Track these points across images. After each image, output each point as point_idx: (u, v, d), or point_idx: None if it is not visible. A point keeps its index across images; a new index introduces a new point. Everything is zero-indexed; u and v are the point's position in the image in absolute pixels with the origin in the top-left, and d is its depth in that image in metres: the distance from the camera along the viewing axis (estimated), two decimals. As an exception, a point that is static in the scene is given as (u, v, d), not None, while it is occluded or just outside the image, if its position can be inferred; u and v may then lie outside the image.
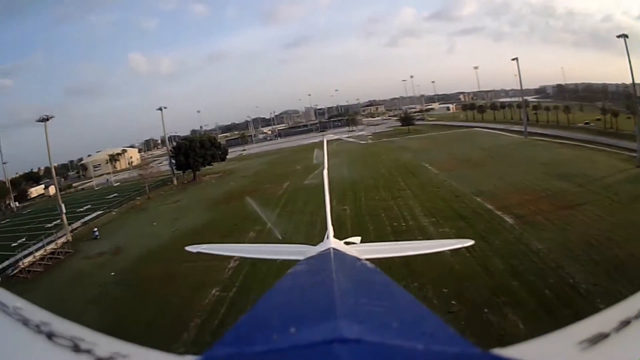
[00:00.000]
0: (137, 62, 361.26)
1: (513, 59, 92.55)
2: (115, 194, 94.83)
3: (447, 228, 35.71)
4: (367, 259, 4.72)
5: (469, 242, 11.20)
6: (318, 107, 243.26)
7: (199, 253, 11.05)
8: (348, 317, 2.12)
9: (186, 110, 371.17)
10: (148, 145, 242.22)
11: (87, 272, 44.17)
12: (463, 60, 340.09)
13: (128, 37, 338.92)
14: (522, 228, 33.07)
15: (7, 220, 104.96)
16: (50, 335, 1.83)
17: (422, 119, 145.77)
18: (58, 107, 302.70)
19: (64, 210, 63.58)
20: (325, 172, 12.50)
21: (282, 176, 76.70)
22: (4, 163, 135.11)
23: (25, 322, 1.96)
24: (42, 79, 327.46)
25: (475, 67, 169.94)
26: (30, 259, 52.06)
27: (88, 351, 1.72)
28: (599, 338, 1.72)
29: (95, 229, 60.99)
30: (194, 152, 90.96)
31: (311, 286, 3.62)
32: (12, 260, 54.57)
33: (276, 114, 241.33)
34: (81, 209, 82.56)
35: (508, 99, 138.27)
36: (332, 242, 6.74)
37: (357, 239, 9.28)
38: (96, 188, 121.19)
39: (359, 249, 7.17)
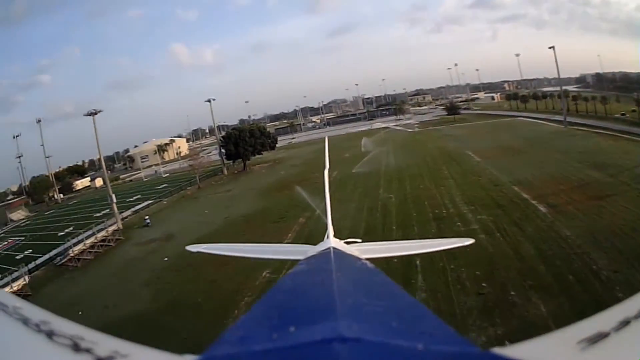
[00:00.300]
0: (179, 54, 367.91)
1: (550, 48, 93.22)
2: (165, 185, 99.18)
3: (484, 215, 37.38)
4: (367, 259, 5.04)
5: (469, 241, 11.40)
6: (366, 97, 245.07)
7: (199, 253, 11.52)
8: (348, 316, 2.24)
9: (233, 100, 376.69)
10: (196, 135, 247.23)
11: (139, 257, 47.46)
12: (506, 48, 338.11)
13: (169, 30, 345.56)
14: (554, 217, 34.51)
15: (52, 211, 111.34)
16: (50, 335, 1.93)
17: (468, 108, 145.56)
18: (99, 101, 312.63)
19: (115, 200, 66.70)
20: (326, 172, 12.94)
21: (331, 164, 78.06)
22: (48, 157, 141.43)
23: (25, 322, 2.04)
24: (81, 73, 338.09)
25: (517, 55, 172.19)
26: (80, 247, 55.06)
27: (88, 350, 1.81)
28: (599, 338, 1.80)
29: (147, 217, 64.59)
30: (244, 141, 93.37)
31: (311, 286, 3.82)
32: (61, 249, 58.35)
33: (324, 103, 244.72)
34: (131, 199, 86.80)
35: (550, 88, 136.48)
36: (332, 241, 6.95)
37: (357, 239, 9.23)
38: (145, 179, 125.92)
39: (359, 249, 7.43)
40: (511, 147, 65.20)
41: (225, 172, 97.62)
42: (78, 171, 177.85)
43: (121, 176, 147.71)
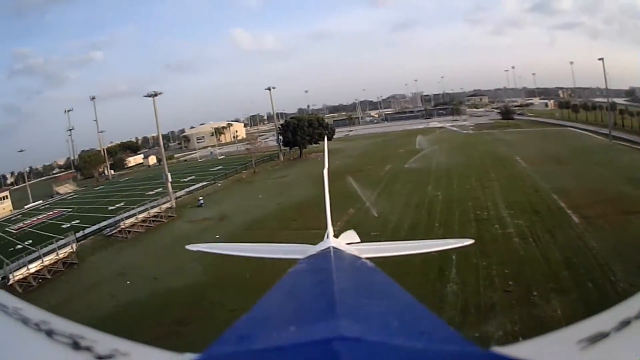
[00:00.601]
0: (239, 39, 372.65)
1: (599, 59, 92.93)
2: (220, 167, 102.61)
3: (521, 220, 38.73)
4: (367, 258, 5.08)
5: (469, 242, 11.33)
6: (424, 94, 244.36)
7: (198, 251, 11.66)
8: (348, 315, 2.30)
9: (293, 88, 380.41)
10: (254, 120, 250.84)
11: (191, 234, 49.81)
12: (562, 54, 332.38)
13: (229, 14, 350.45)
14: (584, 227, 35.77)
15: (102, 187, 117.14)
16: (49, 334, 1.97)
17: (522, 114, 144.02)
18: (154, 81, 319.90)
19: (170, 179, 69.33)
20: (326, 171, 12.79)
21: (385, 158, 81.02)
22: (101, 132, 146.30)
23: (25, 322, 2.09)
24: (136, 53, 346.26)
25: (571, 63, 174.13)
26: (132, 220, 58.07)
27: (88, 349, 1.86)
28: (599, 338, 1.83)
29: (201, 198, 67.79)
30: (302, 130, 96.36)
31: (311, 285, 3.95)
32: (111, 220, 61.96)
33: (383, 97, 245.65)
34: (185, 179, 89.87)
35: (601, 99, 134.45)
36: (332, 241, 6.98)
37: (357, 239, 9.63)
38: (200, 160, 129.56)
39: (359, 248, 7.35)
40: (557, 156, 65.92)
41: (282, 158, 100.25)
42: (131, 147, 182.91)
43: (175, 155, 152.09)
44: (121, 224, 57.00)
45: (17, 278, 44.21)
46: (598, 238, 33.04)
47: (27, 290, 43.43)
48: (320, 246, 6.26)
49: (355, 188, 56.85)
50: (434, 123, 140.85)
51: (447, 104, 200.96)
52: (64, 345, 1.85)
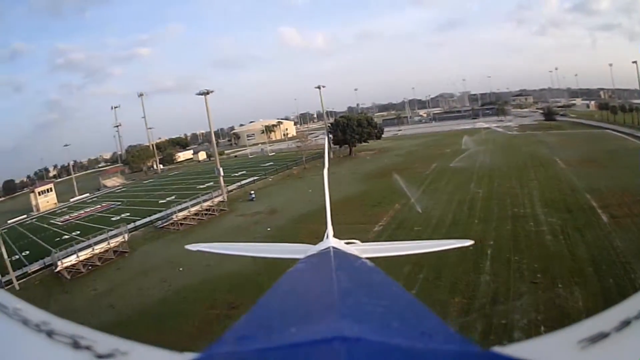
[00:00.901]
0: (288, 37, 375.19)
1: (633, 62, 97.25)
2: (271, 163, 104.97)
3: (554, 219, 40.19)
4: (367, 258, 5.02)
5: (468, 242, 11.38)
6: (472, 93, 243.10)
7: (198, 251, 11.67)
8: (348, 315, 2.32)
9: (342, 87, 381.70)
10: (304, 118, 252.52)
11: (242, 226, 52.03)
12: (603, 55, 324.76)
13: (277, 12, 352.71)
14: (612, 227, 37.06)
15: (151, 180, 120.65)
16: (49, 334, 2.00)
17: (565, 115, 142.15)
18: (200, 78, 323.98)
19: (222, 173, 71.22)
20: (326, 171, 12.53)
21: (432, 157, 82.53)
22: (150, 128, 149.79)
23: (25, 322, 2.11)
24: (183, 49, 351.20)
25: (610, 65, 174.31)
26: (184, 213, 60.15)
27: (88, 348, 1.89)
28: (599, 337, 1.83)
29: (252, 192, 69.64)
30: (351, 129, 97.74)
31: (311, 285, 3.98)
32: (163, 213, 64.01)
33: (432, 96, 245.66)
34: (236, 174, 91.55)
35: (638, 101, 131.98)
36: (332, 241, 6.93)
37: (357, 239, 8.87)
38: (250, 156, 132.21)
39: (359, 248, 7.33)
40: (595, 158, 67.11)
41: (331, 155, 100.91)
42: (180, 143, 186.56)
43: (226, 151, 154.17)
44: (173, 216, 58.94)
45: (65, 265, 46.44)
46: (624, 238, 34.35)
47: (75, 275, 45.81)
48: (320, 246, 6.34)
49: (401, 185, 58.62)
50: (480, 123, 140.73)
51: (493, 103, 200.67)
52: (64, 345, 1.93)
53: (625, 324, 1.86)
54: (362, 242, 8.48)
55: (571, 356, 1.77)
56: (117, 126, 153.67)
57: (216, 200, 64.76)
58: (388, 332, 2.11)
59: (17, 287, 46.77)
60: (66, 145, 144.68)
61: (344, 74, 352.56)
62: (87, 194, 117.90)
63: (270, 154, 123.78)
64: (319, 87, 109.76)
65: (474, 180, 59.77)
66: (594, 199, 44.29)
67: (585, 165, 61.72)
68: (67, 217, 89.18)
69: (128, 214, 75.17)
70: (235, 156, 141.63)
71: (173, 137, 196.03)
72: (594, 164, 62.04)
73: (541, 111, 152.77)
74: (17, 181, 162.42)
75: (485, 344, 1.97)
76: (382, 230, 42.74)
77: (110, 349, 1.87)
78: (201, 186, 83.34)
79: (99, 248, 48.97)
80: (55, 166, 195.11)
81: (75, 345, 1.87)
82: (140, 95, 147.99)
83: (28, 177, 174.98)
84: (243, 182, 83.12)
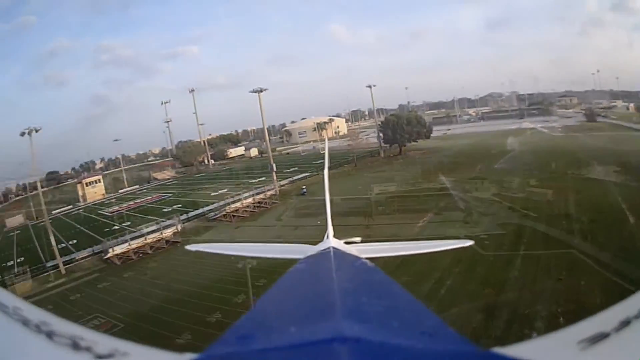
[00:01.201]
0: (338, 34, 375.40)
1: None
2: (322, 160, 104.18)
3: (582, 215, 43.28)
4: (367, 258, 5.17)
5: (469, 243, 11.54)
6: (519, 93, 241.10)
7: (197, 252, 11.41)
8: (348, 316, 2.40)
9: (393, 84, 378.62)
10: (355, 116, 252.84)
11: (293, 219, 54.87)
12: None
13: (326, 10, 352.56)
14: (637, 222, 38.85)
15: (202, 174, 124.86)
16: (49, 335, 2.04)
17: (606, 116, 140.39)
18: (252, 74, 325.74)
19: (275, 168, 73.69)
20: (326, 171, 13.59)
21: (478, 159, 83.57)
22: (201, 124, 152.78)
23: (25, 322, 2.14)
24: (233, 46, 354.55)
25: None
26: (237, 205, 62.68)
27: (87, 349, 1.94)
28: (599, 338, 1.89)
29: (304, 187, 72.08)
30: (401, 128, 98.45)
31: (311, 285, 4.07)
32: (216, 205, 66.67)
33: (480, 96, 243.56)
34: (288, 170, 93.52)
35: None
36: (332, 241, 7.09)
37: (357, 239, 9.42)
38: (302, 154, 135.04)
39: (359, 249, 7.49)
40: (626, 161, 66.75)
41: (382, 154, 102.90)
42: (231, 140, 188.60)
43: (277, 148, 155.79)
44: (226, 208, 61.56)
45: (116, 252, 49.56)
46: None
47: (125, 262, 49.05)
48: (320, 246, 6.55)
49: (447, 186, 61.71)
50: (526, 123, 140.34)
51: (540, 104, 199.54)
52: (64, 345, 1.98)
53: (625, 323, 1.97)
54: (362, 242, 9.37)
55: (571, 356, 1.88)
56: (168, 121, 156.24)
57: (268, 193, 66.91)
58: (388, 332, 2.21)
59: (63, 272, 49.64)
60: (116, 140, 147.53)
61: (395, 71, 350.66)
62: (137, 186, 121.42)
63: (322, 152, 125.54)
64: (369, 87, 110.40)
65: (514, 180, 61.69)
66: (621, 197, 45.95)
67: (617, 166, 62.84)
68: (116, 207, 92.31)
69: (180, 205, 78.06)
70: (287, 153, 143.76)
71: (224, 133, 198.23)
72: (628, 168, 62.14)
73: (583, 112, 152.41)
74: (61, 173, 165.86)
75: (485, 344, 2.06)
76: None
77: (110, 349, 1.98)
78: (253, 181, 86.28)
79: (151, 237, 51.47)
80: (102, 159, 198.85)
81: (75, 345, 1.97)
82: (192, 91, 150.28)
83: (73, 169, 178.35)
84: (295, 177, 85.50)
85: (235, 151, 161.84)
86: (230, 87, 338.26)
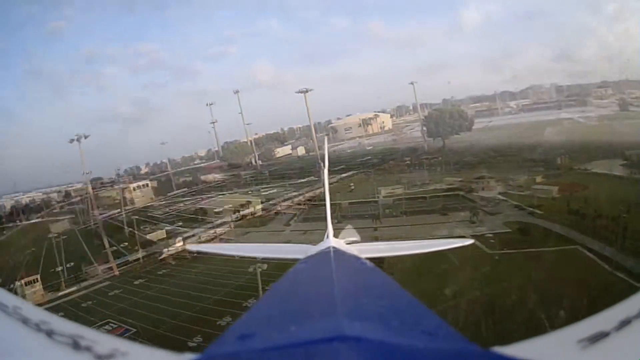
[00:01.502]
0: (377, 30, 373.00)
1: None
2: (369, 157, 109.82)
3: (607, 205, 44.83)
4: (367, 258, 5.39)
5: (469, 242, 11.75)
6: (558, 85, 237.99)
7: (198, 252, 11.74)
8: (348, 315, 2.44)
9: (436, 78, 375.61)
10: (400, 111, 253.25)
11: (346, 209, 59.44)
12: None
13: (365, 4, 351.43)
14: None
15: (250, 175, 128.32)
16: (50, 334, 2.08)
17: (638, 106, 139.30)
18: (292, 72, 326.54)
19: (323, 166, 76.74)
20: (325, 170, 13.83)
21: (516, 149, 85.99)
22: (247, 124, 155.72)
23: (25, 322, 2.20)
24: (273, 45, 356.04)
25: None
26: (288, 203, 68.40)
27: (88, 348, 1.97)
28: (600, 337, 1.93)
29: (352, 184, 76.83)
30: (444, 122, 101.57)
31: (312, 285, 4.20)
32: (277, 200, 71.70)
33: (521, 89, 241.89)
34: (335, 168, 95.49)
35: None
36: (332, 241, 7.24)
37: (357, 239, 9.71)
38: (348, 150, 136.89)
39: (359, 248, 7.54)
40: None
41: (426, 148, 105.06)
42: (278, 139, 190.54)
43: (324, 145, 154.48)
44: (277, 206, 66.08)
45: (170, 252, 53.76)
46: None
47: (181, 260, 52.48)
48: (320, 246, 6.73)
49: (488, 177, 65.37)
50: (564, 114, 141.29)
51: (577, 95, 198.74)
52: (65, 345, 2.05)
53: (625, 323, 2.05)
54: (362, 241, 9.56)
55: (571, 356, 1.96)
56: (213, 122, 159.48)
57: (318, 191, 69.71)
58: (388, 331, 2.29)
59: (117, 273, 54.03)
60: (163, 144, 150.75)
61: (438, 65, 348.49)
62: (185, 189, 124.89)
63: (367, 148, 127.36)
64: (412, 83, 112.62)
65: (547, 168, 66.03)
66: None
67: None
68: (167, 210, 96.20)
69: (230, 205, 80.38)
70: (334, 150, 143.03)
71: (270, 132, 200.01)
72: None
73: (617, 102, 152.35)
74: (105, 178, 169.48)
75: (485, 344, 2.11)
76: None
77: (110, 349, 2.03)
78: (302, 180, 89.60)
79: (205, 236, 54.59)
80: (147, 164, 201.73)
81: (75, 345, 2.05)
82: (236, 92, 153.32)
83: (117, 174, 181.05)
84: (343, 175, 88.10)
85: (282, 150, 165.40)
86: (274, 86, 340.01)
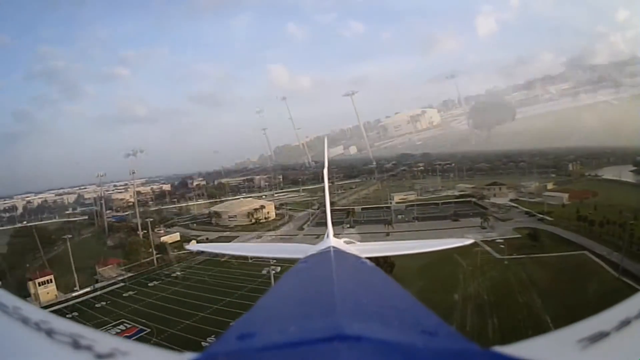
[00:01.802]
0: (421, 30, 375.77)
1: None
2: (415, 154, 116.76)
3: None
4: (367, 258, 5.67)
5: (469, 241, 11.92)
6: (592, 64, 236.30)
7: (198, 251, 13.03)
8: (348, 314, 2.47)
9: (483, 70, 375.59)
10: (446, 105, 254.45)
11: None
12: None
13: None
14: None
15: (305, 176, 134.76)
16: (49, 333, 2.08)
17: None
18: (338, 74, 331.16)
19: (374, 164, 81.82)
20: (325, 171, 13.64)
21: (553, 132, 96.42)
22: (298, 129, 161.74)
23: (25, 322, 2.20)
24: (310, 53, 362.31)
25: None
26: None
27: (88, 348, 1.96)
28: (600, 337, 1.93)
29: None
30: (488, 114, 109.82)
31: (312, 284, 4.17)
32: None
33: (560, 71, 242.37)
34: (387, 164, 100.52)
35: None
36: (332, 241, 7.32)
37: (357, 238, 9.40)
38: (399, 147, 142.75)
39: (359, 248, 7.68)
40: None
41: (473, 141, 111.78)
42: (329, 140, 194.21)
43: (375, 144, 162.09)
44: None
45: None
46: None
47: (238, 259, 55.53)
48: (320, 246, 6.82)
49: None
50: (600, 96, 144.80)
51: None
52: (65, 344, 2.04)
53: (625, 323, 2.07)
54: (362, 241, 9.42)
55: (571, 356, 1.96)
56: (264, 129, 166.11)
57: (371, 188, 74.79)
58: (388, 331, 2.31)
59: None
60: (215, 152, 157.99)
61: (487, 59, 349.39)
62: (244, 194, 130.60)
63: (417, 143, 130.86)
64: (452, 76, 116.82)
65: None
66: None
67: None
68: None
69: (289, 206, 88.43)
70: (385, 148, 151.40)
71: (319, 135, 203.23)
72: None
73: None
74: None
75: (485, 344, 2.12)
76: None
77: (110, 348, 2.03)
78: (357, 180, 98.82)
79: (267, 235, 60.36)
80: (199, 173, 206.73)
81: (75, 344, 2.06)
82: (283, 98, 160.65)
83: (172, 185, 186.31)
84: (393, 171, 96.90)
85: (334, 151, 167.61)
86: (319, 88, 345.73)
